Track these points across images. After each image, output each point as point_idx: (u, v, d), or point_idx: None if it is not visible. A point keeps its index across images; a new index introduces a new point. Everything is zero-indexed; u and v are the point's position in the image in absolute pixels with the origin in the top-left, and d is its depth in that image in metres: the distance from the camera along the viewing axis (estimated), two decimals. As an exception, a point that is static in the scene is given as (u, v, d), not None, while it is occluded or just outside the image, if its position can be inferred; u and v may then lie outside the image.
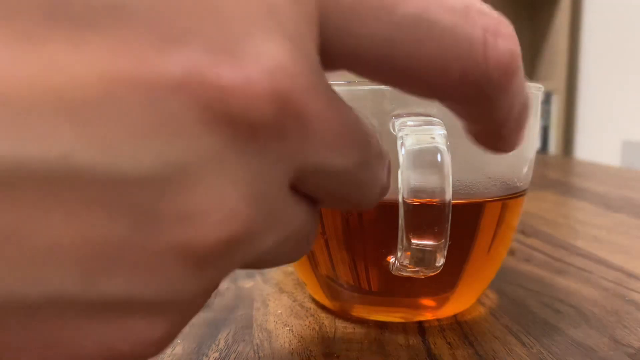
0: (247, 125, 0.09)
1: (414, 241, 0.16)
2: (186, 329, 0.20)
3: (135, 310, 0.10)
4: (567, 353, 0.18)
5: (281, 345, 0.19)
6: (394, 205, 0.16)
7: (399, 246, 0.16)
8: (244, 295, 0.24)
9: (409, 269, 0.16)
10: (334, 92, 0.11)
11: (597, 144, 1.78)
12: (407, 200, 0.15)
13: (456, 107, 0.13)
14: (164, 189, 0.09)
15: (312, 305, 0.23)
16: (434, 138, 0.15)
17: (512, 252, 0.31)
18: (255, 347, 0.19)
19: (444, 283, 0.21)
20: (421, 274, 0.16)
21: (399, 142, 0.15)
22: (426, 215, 0.15)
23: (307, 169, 0.11)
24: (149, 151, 0.09)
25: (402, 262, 0.16)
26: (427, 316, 0.21)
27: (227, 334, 0.20)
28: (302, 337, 0.20)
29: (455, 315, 0.22)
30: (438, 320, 0.21)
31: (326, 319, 0.21)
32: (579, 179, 0.72)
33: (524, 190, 0.21)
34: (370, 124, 0.13)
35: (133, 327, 0.10)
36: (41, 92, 0.08)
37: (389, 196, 0.14)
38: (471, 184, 0.20)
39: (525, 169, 0.21)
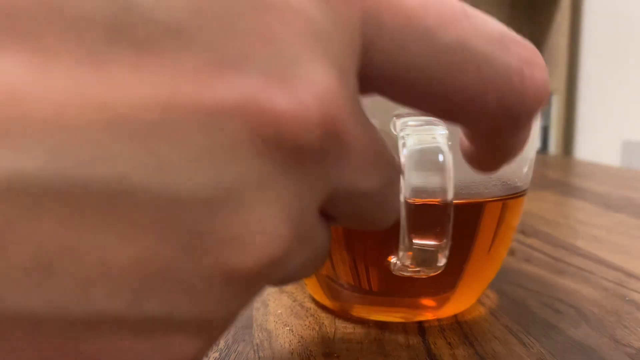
0: (295, 149, 0.10)
1: (415, 241, 0.16)
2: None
3: (175, 328, 0.10)
4: (567, 353, 0.18)
5: (281, 345, 0.19)
6: None
7: (401, 246, 0.16)
8: (244, 295, 0.24)
9: (411, 269, 0.16)
10: (366, 116, 0.12)
11: (597, 144, 1.78)
12: (409, 201, 0.15)
13: (479, 134, 0.14)
14: (213, 212, 0.09)
15: (312, 305, 0.23)
16: (435, 138, 0.15)
17: (512, 252, 0.31)
18: (255, 347, 0.19)
19: (444, 283, 0.21)
20: (422, 274, 0.16)
21: (400, 142, 0.15)
22: (428, 215, 0.15)
23: (339, 191, 0.11)
24: (204, 174, 0.09)
25: (403, 262, 0.16)
26: (428, 316, 0.21)
27: (227, 334, 0.20)
28: (302, 337, 0.20)
29: (455, 315, 0.22)
30: (438, 320, 0.21)
31: (326, 319, 0.21)
32: (579, 179, 0.72)
33: (524, 190, 0.21)
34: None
35: (170, 344, 0.10)
36: (101, 113, 0.08)
37: None
38: (471, 184, 0.20)
39: (525, 169, 0.21)
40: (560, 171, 0.80)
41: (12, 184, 0.08)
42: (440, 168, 0.15)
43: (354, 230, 0.19)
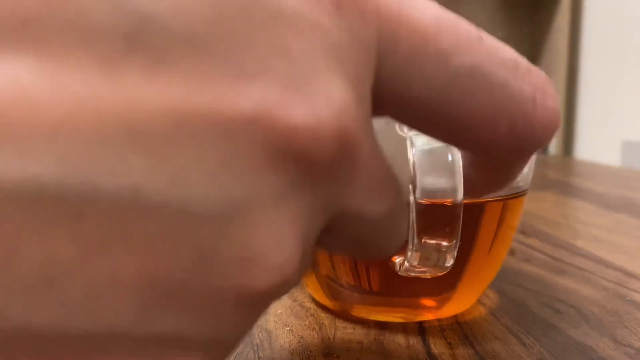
0: (309, 164, 0.09)
1: (425, 242, 0.15)
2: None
3: (182, 347, 0.09)
4: (567, 353, 0.18)
5: (281, 345, 0.19)
6: None
7: (409, 246, 0.16)
8: (244, 295, 0.24)
9: (418, 270, 0.16)
10: (376, 138, 0.11)
11: (597, 143, 1.78)
12: (419, 201, 0.15)
13: (482, 161, 0.14)
14: (227, 228, 0.09)
15: (312, 305, 0.23)
16: None
17: (512, 252, 0.31)
18: (255, 347, 0.19)
19: (444, 283, 0.21)
20: (428, 274, 0.16)
21: (408, 142, 0.15)
22: (438, 215, 0.15)
23: (345, 213, 0.11)
24: (218, 187, 0.09)
25: (411, 263, 0.16)
26: (428, 316, 0.21)
27: (227, 334, 0.20)
28: (302, 337, 0.20)
29: (455, 316, 0.22)
30: (438, 320, 0.21)
31: (326, 319, 0.21)
32: (579, 179, 0.72)
33: (525, 190, 0.21)
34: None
35: None
36: (115, 122, 0.08)
37: None
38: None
39: (525, 169, 0.21)
40: (560, 171, 0.80)
41: (19, 191, 0.07)
42: (449, 168, 0.15)
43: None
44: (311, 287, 0.23)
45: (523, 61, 0.12)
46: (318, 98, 0.09)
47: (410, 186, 0.15)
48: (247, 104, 0.09)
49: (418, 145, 0.15)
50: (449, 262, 0.16)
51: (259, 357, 0.18)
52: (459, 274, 0.20)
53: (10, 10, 0.08)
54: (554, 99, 0.13)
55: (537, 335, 0.20)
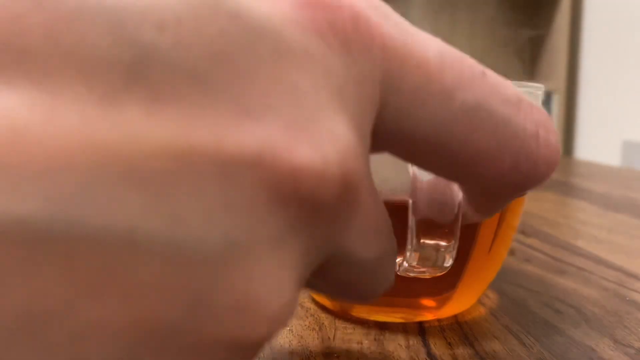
0: (313, 206, 0.09)
1: (424, 242, 0.15)
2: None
3: None
4: (567, 353, 0.18)
5: (281, 345, 0.19)
6: (394, 206, 0.15)
7: (408, 247, 0.16)
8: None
9: (417, 270, 0.16)
10: (372, 179, 0.11)
11: (598, 143, 1.78)
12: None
13: (480, 194, 0.13)
14: (223, 272, 0.08)
15: (312, 305, 0.23)
16: None
17: (512, 252, 0.31)
18: (255, 347, 0.19)
19: (444, 283, 0.21)
20: (428, 274, 0.16)
21: None
22: (437, 215, 0.15)
23: (337, 254, 0.11)
24: (216, 229, 0.08)
25: (410, 263, 0.16)
26: (428, 316, 0.21)
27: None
28: (302, 337, 0.20)
29: (455, 316, 0.22)
30: (438, 320, 0.21)
31: (326, 319, 0.21)
32: (579, 179, 0.72)
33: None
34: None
35: None
36: (111, 159, 0.07)
37: (391, 197, 0.14)
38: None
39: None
40: (560, 171, 0.80)
41: (3, 229, 0.07)
42: None
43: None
44: (311, 287, 0.23)
45: (525, 97, 0.12)
46: (323, 138, 0.09)
47: (410, 186, 0.15)
48: (251, 143, 0.08)
49: None
50: (448, 262, 0.16)
51: (258, 357, 0.18)
52: (459, 274, 0.20)
53: (7, 39, 0.07)
54: (555, 136, 0.13)
55: (537, 335, 0.20)
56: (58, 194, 0.07)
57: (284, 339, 0.20)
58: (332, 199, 0.09)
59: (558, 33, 1.87)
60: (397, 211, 0.16)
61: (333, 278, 0.12)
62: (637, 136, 1.57)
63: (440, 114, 0.11)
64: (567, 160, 1.15)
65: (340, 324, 0.21)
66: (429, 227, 0.15)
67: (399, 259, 0.17)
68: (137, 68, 0.08)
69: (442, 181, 0.15)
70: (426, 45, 0.11)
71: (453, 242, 0.15)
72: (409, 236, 0.15)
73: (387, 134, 0.11)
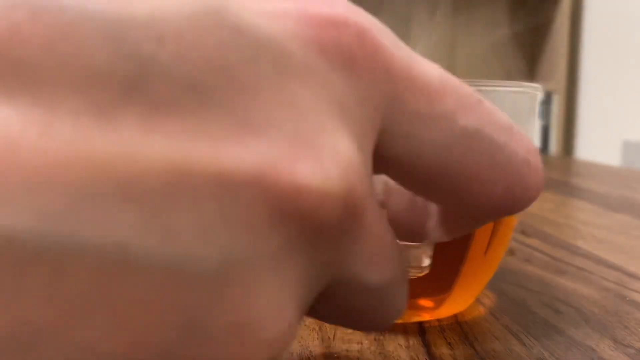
0: (314, 225, 0.09)
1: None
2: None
3: None
4: (568, 353, 0.18)
5: (281, 346, 0.19)
6: None
7: None
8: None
9: None
10: (377, 203, 0.11)
11: (598, 144, 1.78)
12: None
13: (464, 217, 0.13)
14: (220, 292, 0.08)
15: (312, 306, 0.23)
16: None
17: (512, 252, 0.31)
18: (255, 347, 0.19)
19: (441, 284, 0.21)
20: (410, 275, 0.16)
21: None
22: (407, 217, 0.15)
23: (342, 279, 0.11)
24: (212, 247, 0.08)
25: None
26: (425, 317, 0.21)
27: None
28: (302, 337, 0.20)
29: (455, 316, 0.22)
30: (438, 320, 0.21)
31: (326, 319, 0.21)
32: (580, 179, 0.72)
33: None
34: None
35: None
36: (105, 174, 0.07)
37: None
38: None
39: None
40: (560, 171, 0.80)
41: None
42: None
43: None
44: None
45: (514, 124, 0.12)
46: (325, 154, 0.09)
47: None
48: (251, 160, 0.08)
49: None
50: (425, 263, 0.16)
51: (258, 357, 0.18)
52: (456, 275, 0.20)
53: (3, 49, 0.07)
54: (540, 160, 0.13)
55: (537, 335, 0.20)
56: (49, 209, 0.07)
57: (284, 339, 0.20)
58: (334, 217, 0.09)
59: (558, 33, 1.87)
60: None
61: (340, 305, 0.12)
62: (637, 136, 1.57)
63: (441, 139, 0.11)
64: (567, 160, 1.15)
65: (340, 324, 0.21)
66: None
67: None
68: (136, 81, 0.08)
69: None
70: (428, 70, 0.11)
71: (427, 240, 0.15)
72: None
73: (386, 156, 0.11)
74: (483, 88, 0.19)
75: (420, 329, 0.20)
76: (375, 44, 0.10)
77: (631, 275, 0.27)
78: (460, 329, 0.20)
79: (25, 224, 0.07)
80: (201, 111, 0.08)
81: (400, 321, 0.21)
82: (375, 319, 0.12)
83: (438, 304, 0.21)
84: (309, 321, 0.21)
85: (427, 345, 0.19)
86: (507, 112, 0.20)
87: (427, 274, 0.21)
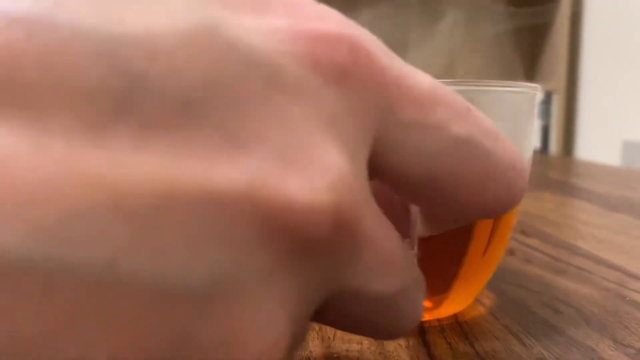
0: (305, 240, 0.09)
1: None
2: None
3: None
4: (567, 353, 0.18)
5: (281, 346, 0.19)
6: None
7: None
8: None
9: None
10: (380, 211, 0.11)
11: (598, 143, 1.78)
12: None
13: (447, 219, 0.14)
14: (209, 306, 0.08)
15: (312, 306, 0.23)
16: None
17: (512, 252, 0.31)
18: (255, 348, 0.19)
19: (440, 284, 0.21)
20: None
21: None
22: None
23: (346, 290, 0.11)
24: (201, 262, 0.08)
25: None
26: (425, 316, 0.21)
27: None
28: (302, 337, 0.20)
29: (455, 315, 0.22)
30: (438, 320, 0.21)
31: (326, 319, 0.21)
32: (580, 179, 0.72)
33: None
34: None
35: None
36: (96, 191, 0.07)
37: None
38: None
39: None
40: (560, 171, 0.80)
41: None
42: None
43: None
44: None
45: (500, 130, 0.13)
46: (315, 169, 0.09)
47: None
48: (241, 176, 0.08)
49: None
50: None
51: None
52: (455, 275, 0.20)
53: None
54: (524, 164, 0.13)
55: (537, 335, 0.20)
56: (40, 225, 0.07)
57: (284, 339, 0.20)
58: (324, 232, 0.09)
59: (558, 33, 1.87)
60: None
61: (348, 315, 0.12)
62: (637, 136, 1.57)
63: (433, 147, 0.11)
64: (567, 160, 1.15)
65: (340, 324, 0.21)
66: None
67: None
68: (127, 98, 0.08)
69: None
70: (420, 80, 0.11)
71: (408, 240, 0.15)
72: None
73: (380, 166, 0.11)
74: (483, 88, 0.19)
75: (420, 329, 0.20)
76: (369, 57, 0.11)
77: (631, 275, 0.27)
78: (460, 329, 0.20)
79: (17, 240, 0.07)
80: (192, 128, 0.08)
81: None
82: (389, 328, 0.12)
83: (437, 304, 0.21)
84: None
85: (427, 345, 0.19)
86: (507, 112, 0.20)
87: (426, 274, 0.21)
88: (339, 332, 0.20)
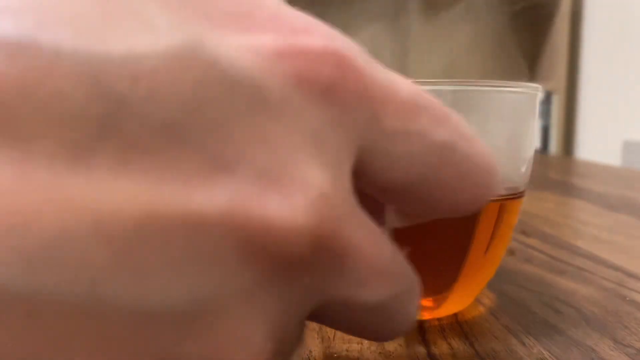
0: (284, 258, 0.09)
1: None
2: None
3: None
4: (567, 353, 0.18)
5: (281, 346, 0.19)
6: None
7: None
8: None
9: None
10: (368, 220, 0.11)
11: (598, 143, 1.78)
12: None
13: (427, 215, 0.14)
14: (191, 326, 0.08)
15: (312, 306, 0.23)
16: None
17: (512, 252, 0.31)
18: (255, 347, 0.19)
19: (441, 283, 0.21)
20: None
21: None
22: None
23: (334, 301, 0.11)
24: (182, 284, 0.08)
25: None
26: (425, 316, 0.21)
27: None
28: (302, 337, 0.20)
29: (455, 315, 0.22)
30: (438, 319, 0.21)
31: (326, 319, 0.21)
32: (580, 179, 0.72)
33: (522, 192, 0.21)
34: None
35: None
36: (79, 217, 0.07)
37: None
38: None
39: (523, 170, 0.21)
40: (560, 171, 0.80)
41: None
42: None
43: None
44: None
45: (474, 132, 0.13)
46: (295, 189, 0.09)
47: None
48: (221, 199, 0.08)
49: None
50: None
51: None
52: (456, 274, 0.20)
53: None
54: (496, 165, 0.13)
55: (537, 335, 0.20)
56: (22, 252, 0.07)
57: (284, 339, 0.20)
58: (305, 250, 0.09)
59: (558, 33, 1.87)
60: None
61: (340, 322, 0.12)
62: (637, 136, 1.57)
63: (414, 153, 0.12)
64: (567, 160, 1.15)
65: (340, 324, 0.21)
66: None
67: None
68: (109, 123, 0.08)
69: None
70: (403, 88, 0.12)
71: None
72: None
73: (363, 175, 0.11)
74: (484, 88, 0.19)
75: (420, 329, 0.20)
76: (354, 71, 0.11)
77: (631, 275, 0.27)
78: (460, 329, 0.20)
79: (1, 266, 0.07)
80: (173, 150, 0.08)
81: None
82: (382, 331, 0.12)
83: (438, 303, 0.21)
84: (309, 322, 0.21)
85: (427, 345, 0.19)
86: (508, 113, 0.20)
87: (428, 272, 0.21)
88: (339, 332, 0.20)
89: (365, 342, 0.19)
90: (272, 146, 0.09)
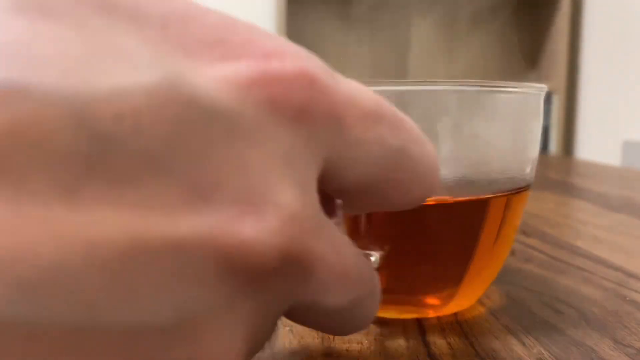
0: (258, 273, 0.10)
1: None
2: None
3: None
4: (567, 353, 0.18)
5: (281, 345, 0.19)
6: None
7: None
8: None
9: None
10: (334, 229, 0.12)
11: (598, 143, 1.78)
12: None
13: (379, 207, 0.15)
14: (176, 337, 0.09)
15: (312, 305, 0.23)
16: None
17: (512, 252, 0.31)
18: (255, 347, 0.19)
19: (448, 280, 0.21)
20: None
21: None
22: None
23: (302, 305, 0.12)
24: (168, 303, 0.09)
25: None
26: (430, 314, 0.21)
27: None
28: (302, 337, 0.20)
29: (455, 315, 0.22)
30: (438, 319, 0.21)
31: (326, 319, 0.21)
32: (580, 179, 0.72)
33: (528, 186, 0.22)
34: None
35: None
36: (73, 248, 0.08)
37: None
38: (475, 180, 0.20)
39: (528, 170, 0.21)
40: (560, 171, 0.80)
41: None
42: None
43: (354, 227, 0.19)
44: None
45: (424, 135, 0.14)
46: (267, 211, 0.10)
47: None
48: (202, 225, 0.09)
49: None
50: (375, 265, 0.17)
51: (258, 357, 0.18)
52: (462, 272, 0.20)
53: None
54: (436, 161, 0.14)
55: (537, 335, 0.20)
56: (22, 282, 0.08)
57: (284, 339, 0.20)
58: (277, 265, 0.10)
59: (558, 33, 1.87)
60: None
61: (305, 319, 0.13)
62: (637, 136, 1.57)
63: (373, 158, 0.12)
64: (567, 160, 1.15)
65: (340, 323, 0.21)
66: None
67: None
68: (96, 158, 0.08)
69: None
70: (364, 97, 0.12)
71: (334, 220, 0.16)
72: None
73: (325, 178, 0.12)
74: (489, 89, 0.19)
75: (420, 329, 0.20)
76: (323, 89, 0.11)
77: (631, 275, 0.27)
78: (460, 329, 0.20)
79: (2, 296, 0.08)
80: (157, 182, 0.09)
81: (402, 318, 0.21)
82: (344, 329, 0.14)
83: (444, 302, 0.21)
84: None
85: (427, 345, 0.19)
86: (512, 113, 0.20)
87: (429, 274, 0.21)
88: (339, 332, 0.20)
89: (365, 342, 0.19)
90: (247, 171, 0.10)
